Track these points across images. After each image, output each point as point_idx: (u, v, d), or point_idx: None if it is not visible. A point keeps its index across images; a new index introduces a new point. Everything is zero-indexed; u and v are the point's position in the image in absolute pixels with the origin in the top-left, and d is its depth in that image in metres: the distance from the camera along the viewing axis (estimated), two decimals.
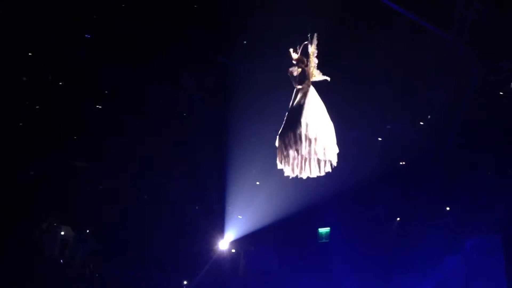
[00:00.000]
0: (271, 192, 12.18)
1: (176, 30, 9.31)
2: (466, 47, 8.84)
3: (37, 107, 10.40)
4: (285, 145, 5.60)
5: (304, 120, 5.55)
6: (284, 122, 5.63)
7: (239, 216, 12.92)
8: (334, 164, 5.68)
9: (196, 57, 9.98)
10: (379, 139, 11.61)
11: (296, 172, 5.72)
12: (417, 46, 9.24)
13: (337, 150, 5.69)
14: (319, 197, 12.25)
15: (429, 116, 10.92)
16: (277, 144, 5.70)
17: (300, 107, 5.64)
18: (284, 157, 5.64)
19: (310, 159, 5.72)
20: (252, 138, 11.06)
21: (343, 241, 12.65)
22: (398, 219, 12.40)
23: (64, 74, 10.20)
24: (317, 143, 5.53)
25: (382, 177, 11.62)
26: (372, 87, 10.05)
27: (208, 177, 11.96)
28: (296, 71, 5.86)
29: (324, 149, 5.58)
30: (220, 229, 12.70)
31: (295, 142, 5.53)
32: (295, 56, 5.84)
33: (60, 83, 10.27)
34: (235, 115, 10.79)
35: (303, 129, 5.51)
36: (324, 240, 13.46)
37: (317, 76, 5.84)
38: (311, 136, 5.52)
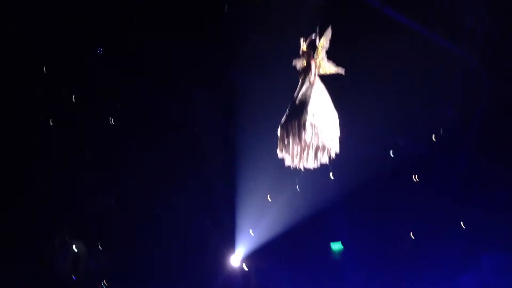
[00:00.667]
0: (282, 207, 12.14)
1: (187, 44, 9.40)
2: (478, 61, 8.80)
3: (50, 121, 10.52)
4: (287, 134, 5.54)
5: (310, 108, 5.47)
6: (287, 111, 5.56)
7: (250, 232, 12.86)
8: (337, 152, 5.59)
9: (206, 70, 10.06)
10: (391, 154, 11.55)
11: (296, 162, 5.66)
12: (429, 60, 9.22)
13: (339, 135, 5.57)
14: (331, 213, 12.18)
15: (441, 131, 10.86)
16: (278, 133, 5.64)
17: (305, 98, 5.57)
18: (285, 146, 5.57)
19: (312, 147, 5.63)
20: (262, 153, 11.05)
21: (355, 257, 12.53)
22: (412, 234, 12.27)
23: (77, 88, 10.35)
24: (323, 130, 5.45)
25: (395, 193, 11.53)
26: (383, 102, 10.03)
27: (219, 192, 11.95)
28: (300, 63, 5.81)
29: (330, 136, 5.49)
30: (231, 245, 12.64)
31: (299, 130, 5.45)
32: (303, 46, 5.78)
33: (73, 97, 10.40)
34: (246, 129, 10.81)
35: (308, 117, 5.43)
36: (336, 256, 13.33)
37: (328, 68, 5.76)
38: (317, 123, 5.43)
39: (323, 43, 5.71)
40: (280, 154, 5.61)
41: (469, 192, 10.96)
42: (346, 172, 11.45)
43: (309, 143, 5.52)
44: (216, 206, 12.17)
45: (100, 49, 9.69)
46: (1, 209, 10.19)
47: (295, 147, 5.58)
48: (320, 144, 5.54)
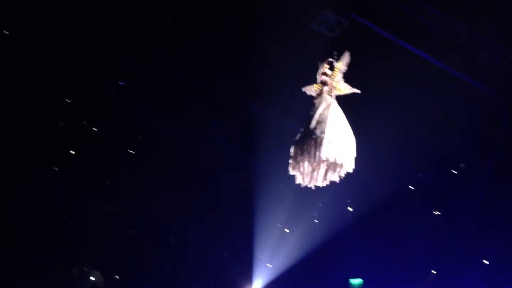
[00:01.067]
0: (300, 239, 12.05)
1: (205, 76, 9.56)
2: (495, 92, 8.77)
3: (71, 152, 10.70)
4: (302, 152, 5.55)
5: (327, 128, 5.51)
6: (302, 130, 5.60)
7: (268, 265, 12.75)
8: (350, 170, 5.59)
9: (223, 101, 10.18)
10: (411, 187, 11.45)
11: (307, 180, 5.66)
12: (447, 94, 9.21)
13: (354, 155, 5.59)
14: (350, 246, 12.04)
15: (461, 165, 10.77)
16: (292, 150, 5.66)
17: (323, 118, 5.63)
18: (298, 164, 5.59)
19: (325, 165, 5.63)
20: (280, 184, 11.06)
21: None
22: (433, 271, 12.04)
23: (98, 120, 10.56)
24: (339, 149, 5.46)
25: (414, 226, 11.38)
26: (402, 135, 9.99)
27: (236, 223, 11.93)
28: (312, 88, 5.91)
29: (345, 156, 5.50)
30: (248, 276, 12.53)
31: (315, 149, 5.46)
32: (321, 68, 5.88)
33: (94, 129, 10.60)
34: (262, 160, 10.84)
35: (326, 136, 5.46)
36: None
37: (343, 90, 5.83)
38: (333, 142, 5.46)
39: (340, 66, 5.84)
40: (291, 171, 5.66)
41: (489, 225, 10.77)
42: (364, 204, 11.37)
43: (323, 161, 5.56)
44: (233, 237, 12.13)
45: (121, 82, 9.91)
46: (20, 239, 10.29)
47: (308, 165, 5.63)
48: (334, 163, 5.58)
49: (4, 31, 8.80)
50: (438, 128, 9.75)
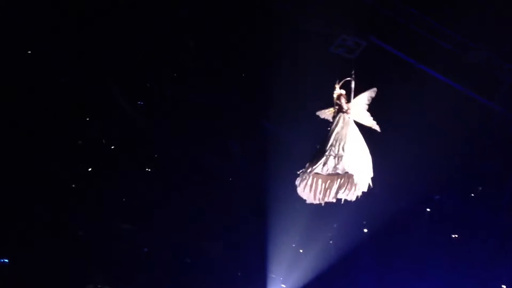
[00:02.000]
0: (314, 259, 11.95)
1: (222, 97, 9.63)
2: None
3: (89, 169, 10.79)
4: (316, 166, 5.55)
5: (346, 146, 5.52)
6: (318, 147, 5.61)
7: (282, 286, 12.65)
8: (365, 189, 5.57)
9: (240, 121, 10.23)
10: (428, 210, 11.33)
11: (319, 197, 5.65)
12: (465, 116, 9.16)
13: (371, 174, 5.58)
14: (365, 268, 11.92)
15: (480, 188, 10.64)
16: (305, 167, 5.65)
17: (340, 136, 5.65)
18: (310, 182, 5.59)
19: (340, 183, 5.63)
20: (296, 205, 11.01)
21: None
22: None
23: (116, 138, 10.65)
24: (356, 168, 5.45)
25: (431, 249, 11.24)
26: (419, 157, 9.93)
27: (251, 243, 11.88)
28: (328, 112, 5.94)
29: (361, 175, 5.49)
30: None
31: (330, 163, 5.46)
32: (338, 88, 5.91)
33: (112, 147, 10.70)
34: (278, 180, 10.83)
35: (345, 155, 5.47)
36: None
37: (364, 119, 5.84)
38: (351, 161, 5.45)
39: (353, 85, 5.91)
40: (300, 191, 5.66)
41: (509, 249, 10.60)
42: (379, 227, 11.26)
43: (338, 179, 5.56)
44: (247, 257, 12.07)
45: (141, 102, 10.04)
46: (35, 254, 10.35)
47: (323, 183, 5.63)
48: (350, 182, 5.57)
49: (28, 52, 8.96)
50: (456, 151, 9.68)
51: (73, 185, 10.84)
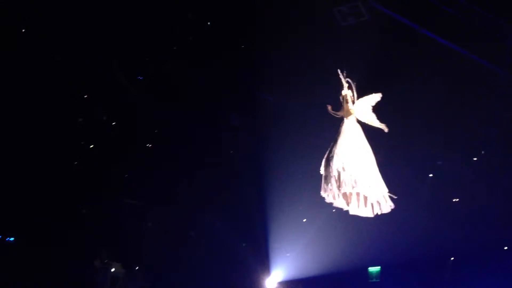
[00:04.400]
0: (318, 229, 12.02)
1: (222, 69, 9.54)
2: None
3: (90, 146, 10.76)
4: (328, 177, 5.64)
5: (340, 162, 5.57)
6: (331, 154, 5.66)
7: (287, 254, 12.77)
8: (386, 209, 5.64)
9: (240, 94, 10.17)
10: (430, 175, 11.34)
11: (338, 203, 5.74)
12: (469, 81, 9.09)
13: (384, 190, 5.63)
14: (369, 235, 11.98)
15: (483, 152, 10.63)
16: (323, 173, 5.74)
17: (342, 148, 5.70)
18: (329, 188, 5.68)
19: (354, 197, 5.72)
20: (298, 175, 11.03)
21: (394, 281, 12.26)
22: (452, 259, 11.95)
23: (117, 114, 10.59)
24: (364, 185, 5.51)
25: (434, 215, 11.28)
26: (422, 123, 9.89)
27: (256, 214, 11.93)
28: (335, 112, 5.97)
29: (375, 194, 5.56)
30: (267, 267, 12.57)
31: (335, 183, 5.57)
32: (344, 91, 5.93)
33: (113, 123, 10.64)
34: (280, 151, 10.82)
35: (345, 169, 5.52)
36: (374, 280, 13.07)
37: (371, 120, 5.87)
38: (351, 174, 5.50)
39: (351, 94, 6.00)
40: (323, 193, 5.73)
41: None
42: None
43: (352, 194, 5.62)
44: (252, 228, 12.15)
45: (140, 77, 9.95)
46: (43, 233, 10.41)
47: (340, 193, 5.69)
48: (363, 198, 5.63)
49: (23, 30, 8.81)
50: (460, 117, 9.64)
51: (75, 162, 10.82)
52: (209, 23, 8.94)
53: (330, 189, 5.77)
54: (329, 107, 6.10)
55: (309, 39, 8.80)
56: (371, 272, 13.16)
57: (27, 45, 8.85)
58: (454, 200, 11.43)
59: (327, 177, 5.80)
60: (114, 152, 10.77)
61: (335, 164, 5.63)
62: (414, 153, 10.57)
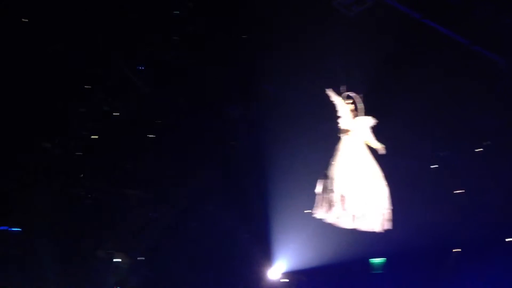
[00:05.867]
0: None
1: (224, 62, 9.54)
2: None
3: (92, 136, 10.80)
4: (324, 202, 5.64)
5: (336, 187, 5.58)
6: (330, 174, 5.65)
7: (290, 245, 12.79)
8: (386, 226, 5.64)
9: (241, 85, 10.16)
10: (432, 166, 11.31)
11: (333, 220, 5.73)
12: (470, 72, 9.05)
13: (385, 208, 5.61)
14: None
15: (485, 143, 10.60)
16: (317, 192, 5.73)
17: (341, 170, 5.69)
18: (324, 207, 5.68)
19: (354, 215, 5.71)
20: (298, 166, 11.03)
21: (397, 272, 12.28)
22: (454, 250, 11.94)
23: (118, 104, 10.61)
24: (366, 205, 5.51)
25: (436, 206, 11.26)
26: (424, 115, 9.86)
27: (259, 205, 11.95)
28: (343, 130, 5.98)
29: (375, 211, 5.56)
30: (270, 258, 12.60)
31: (333, 205, 5.56)
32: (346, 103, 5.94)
33: (115, 114, 10.67)
34: (283, 142, 10.82)
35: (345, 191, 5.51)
36: (377, 271, 13.09)
37: (371, 141, 5.87)
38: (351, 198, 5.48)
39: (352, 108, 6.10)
40: (317, 214, 5.73)
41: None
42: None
43: (353, 212, 5.62)
44: (254, 219, 12.18)
45: (141, 66, 9.96)
46: (45, 222, 10.48)
47: (336, 209, 5.68)
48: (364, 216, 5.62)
49: (23, 19, 8.83)
50: (461, 108, 9.61)
51: (78, 153, 10.86)
52: (209, 12, 8.90)
53: (326, 212, 5.75)
54: (329, 92, 6.06)
55: (311, 29, 8.77)
56: (374, 263, 13.17)
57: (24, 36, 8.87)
58: (456, 192, 11.42)
59: (324, 199, 5.76)
60: (116, 142, 10.80)
61: (334, 191, 5.60)
62: (416, 144, 10.55)
